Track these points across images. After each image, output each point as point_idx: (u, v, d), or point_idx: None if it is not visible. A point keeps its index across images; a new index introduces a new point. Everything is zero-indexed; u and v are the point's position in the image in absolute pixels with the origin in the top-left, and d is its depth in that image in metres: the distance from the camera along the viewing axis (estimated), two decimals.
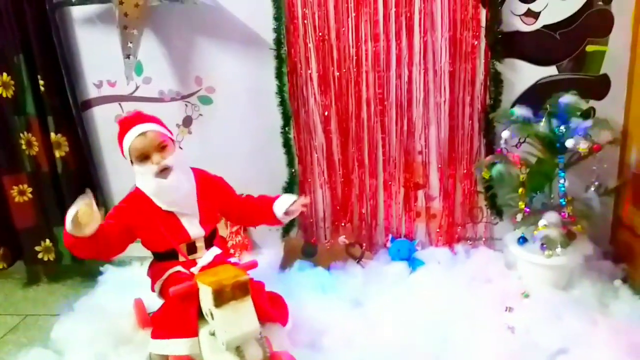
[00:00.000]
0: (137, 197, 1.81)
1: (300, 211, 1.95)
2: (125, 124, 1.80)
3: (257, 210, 1.99)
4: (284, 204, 1.93)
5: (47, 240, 2.56)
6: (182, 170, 1.81)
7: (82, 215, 1.55)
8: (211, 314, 1.52)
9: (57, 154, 2.44)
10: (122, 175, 2.47)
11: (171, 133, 1.87)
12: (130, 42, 2.16)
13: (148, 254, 1.94)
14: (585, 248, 2.05)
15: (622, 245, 2.26)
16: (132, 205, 1.79)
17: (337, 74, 2.31)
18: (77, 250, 1.67)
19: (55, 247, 2.57)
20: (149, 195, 1.79)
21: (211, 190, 1.92)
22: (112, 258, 1.76)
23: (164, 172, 1.75)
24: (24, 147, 2.44)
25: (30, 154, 2.45)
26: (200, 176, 1.91)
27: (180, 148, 1.88)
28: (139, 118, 1.82)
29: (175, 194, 1.78)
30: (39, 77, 2.34)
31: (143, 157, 1.75)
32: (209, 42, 2.35)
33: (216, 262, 1.80)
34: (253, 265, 1.72)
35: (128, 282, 2.35)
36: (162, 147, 1.77)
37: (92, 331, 1.95)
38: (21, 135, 2.42)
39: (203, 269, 1.76)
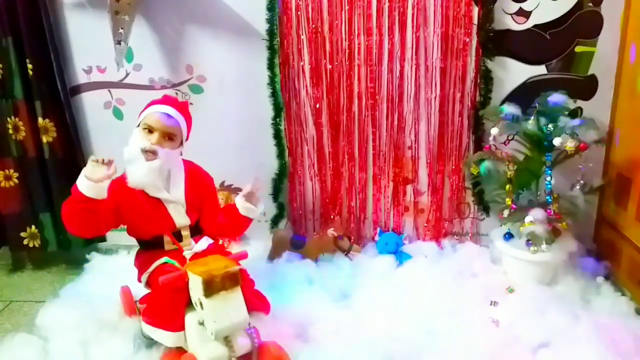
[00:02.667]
0: (124, 180, 1.78)
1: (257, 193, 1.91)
2: (165, 99, 1.86)
3: (228, 215, 1.94)
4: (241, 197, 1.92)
5: (33, 227, 2.53)
6: (165, 167, 1.80)
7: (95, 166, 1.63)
8: (200, 304, 1.53)
9: (45, 139, 2.41)
10: None
11: (187, 138, 1.89)
12: (122, 28, 2.13)
13: (135, 242, 1.93)
14: (570, 245, 2.10)
15: (605, 243, 2.31)
16: (120, 186, 1.77)
17: (329, 66, 2.32)
18: (74, 216, 1.67)
19: (40, 234, 2.54)
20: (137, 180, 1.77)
21: (199, 185, 1.93)
22: (99, 233, 1.76)
23: (150, 154, 1.75)
24: (10, 131, 2.41)
25: (17, 139, 2.42)
26: (192, 169, 1.92)
27: (181, 154, 1.89)
28: (178, 104, 1.87)
29: (141, 176, 1.76)
30: (27, 61, 2.31)
31: (148, 130, 1.77)
32: (201, 31, 2.34)
33: (208, 251, 1.81)
34: (243, 256, 1.73)
35: (114, 270, 2.34)
36: (168, 137, 1.79)
37: (78, 318, 1.94)
38: (8, 119, 2.39)
39: (194, 257, 1.77)
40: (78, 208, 1.65)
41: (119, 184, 1.77)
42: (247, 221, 1.94)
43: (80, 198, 1.63)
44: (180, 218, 1.84)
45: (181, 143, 1.86)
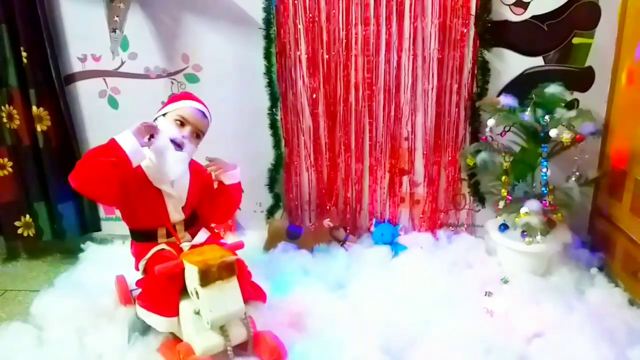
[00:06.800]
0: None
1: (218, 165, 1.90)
2: (194, 97, 1.88)
3: (220, 194, 1.98)
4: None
5: (27, 216, 2.52)
6: (186, 161, 1.82)
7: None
8: (197, 293, 1.53)
9: (39, 127, 2.39)
10: None
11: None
12: (117, 16, 2.12)
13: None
14: (565, 236, 2.11)
15: (599, 234, 2.33)
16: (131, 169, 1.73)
17: (326, 56, 2.31)
18: (97, 168, 1.57)
19: (35, 223, 2.53)
20: (147, 164, 1.76)
21: (201, 183, 1.93)
22: (107, 198, 1.76)
23: (178, 145, 1.76)
24: (4, 120, 2.39)
25: (11, 127, 2.40)
26: (195, 168, 1.92)
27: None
28: (203, 103, 1.89)
29: (168, 169, 1.75)
30: (21, 48, 2.28)
31: (181, 122, 1.79)
32: (197, 19, 2.32)
33: (205, 242, 1.81)
34: (239, 245, 1.73)
35: (109, 260, 2.34)
36: (197, 134, 1.83)
37: (73, 307, 1.94)
38: (2, 108, 2.37)
39: (191, 249, 1.77)
40: (108, 162, 1.57)
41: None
42: (238, 188, 1.98)
43: (119, 154, 1.59)
44: (176, 214, 1.85)
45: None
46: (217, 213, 2.02)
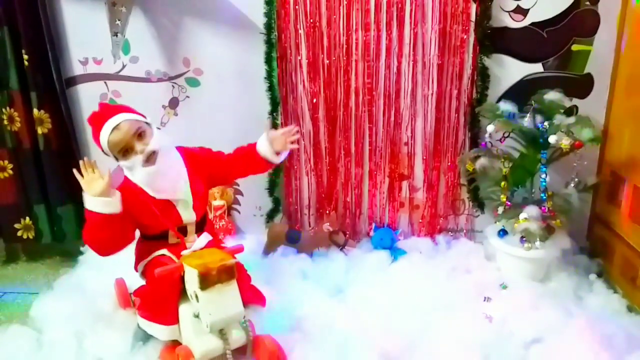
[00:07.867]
0: (128, 185, 1.73)
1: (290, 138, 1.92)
2: (97, 121, 1.72)
3: (245, 160, 1.96)
4: (266, 139, 1.92)
5: (27, 218, 2.52)
6: (168, 152, 1.76)
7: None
8: (196, 296, 1.53)
9: (40, 130, 2.39)
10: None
11: (144, 117, 1.78)
12: (118, 20, 2.13)
13: None
14: (563, 242, 2.11)
15: (598, 240, 2.33)
16: (125, 194, 1.69)
17: (326, 61, 2.31)
18: (103, 239, 1.64)
19: (35, 225, 2.53)
20: (141, 186, 1.73)
21: (200, 167, 1.87)
22: (128, 243, 1.74)
23: (150, 158, 1.69)
24: (5, 122, 2.39)
25: (12, 130, 2.40)
26: (188, 156, 1.86)
27: (158, 128, 1.82)
28: (107, 111, 1.73)
29: (166, 178, 1.73)
30: (23, 51, 2.29)
31: (125, 150, 1.69)
32: (199, 23, 2.33)
33: (206, 246, 1.80)
34: (239, 249, 1.73)
35: (109, 262, 2.28)
36: (139, 135, 1.69)
37: (72, 310, 1.94)
38: (3, 110, 2.37)
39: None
40: (102, 220, 1.59)
41: (122, 191, 1.71)
42: (267, 164, 1.96)
43: (100, 218, 1.58)
44: (188, 215, 1.81)
45: (149, 125, 1.76)
46: (239, 174, 2.04)
